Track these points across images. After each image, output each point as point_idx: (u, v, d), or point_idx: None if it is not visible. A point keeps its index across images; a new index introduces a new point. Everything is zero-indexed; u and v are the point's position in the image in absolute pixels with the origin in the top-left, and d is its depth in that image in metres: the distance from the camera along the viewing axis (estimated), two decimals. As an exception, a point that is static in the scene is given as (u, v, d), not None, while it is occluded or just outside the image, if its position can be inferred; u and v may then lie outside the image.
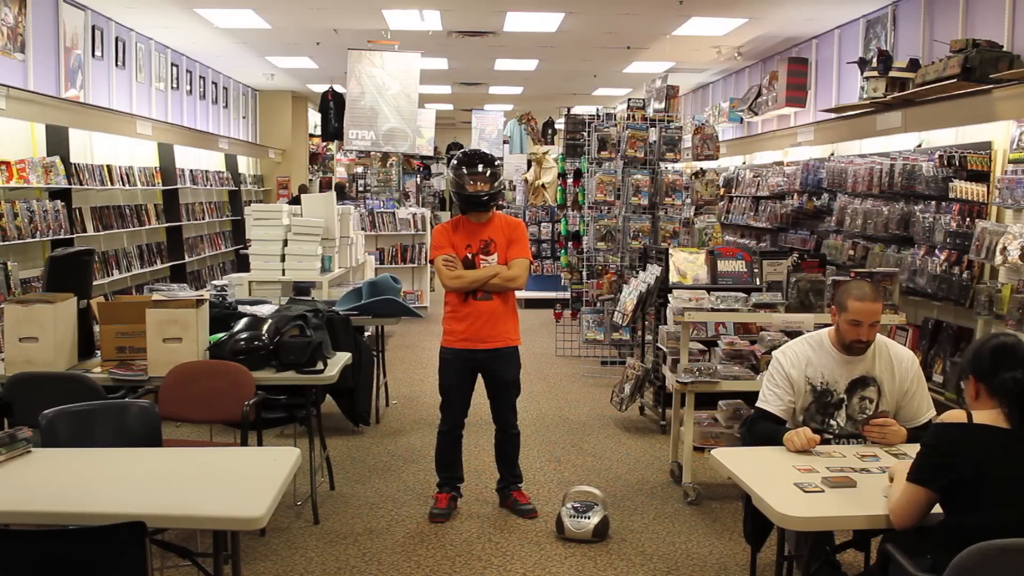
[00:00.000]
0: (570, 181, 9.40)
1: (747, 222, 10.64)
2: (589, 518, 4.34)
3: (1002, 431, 2.55)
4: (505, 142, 16.86)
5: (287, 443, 5.33)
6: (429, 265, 11.43)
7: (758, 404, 3.60)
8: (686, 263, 5.45)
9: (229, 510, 2.67)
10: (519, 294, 12.24)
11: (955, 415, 2.67)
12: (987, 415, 2.59)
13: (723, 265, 5.36)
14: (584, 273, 8.77)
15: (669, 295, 5.19)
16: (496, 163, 4.71)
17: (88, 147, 8.66)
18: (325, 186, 14.78)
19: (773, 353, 3.70)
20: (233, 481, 2.91)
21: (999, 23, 6.09)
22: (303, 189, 15.10)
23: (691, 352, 4.99)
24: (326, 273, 7.25)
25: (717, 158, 8.92)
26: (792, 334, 4.92)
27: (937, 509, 2.63)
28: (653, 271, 5.86)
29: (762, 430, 3.49)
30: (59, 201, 7.47)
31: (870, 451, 3.27)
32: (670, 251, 5.54)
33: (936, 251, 6.24)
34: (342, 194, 12.27)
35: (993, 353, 2.64)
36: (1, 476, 2.86)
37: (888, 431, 3.32)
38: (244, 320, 4.67)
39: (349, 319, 5.76)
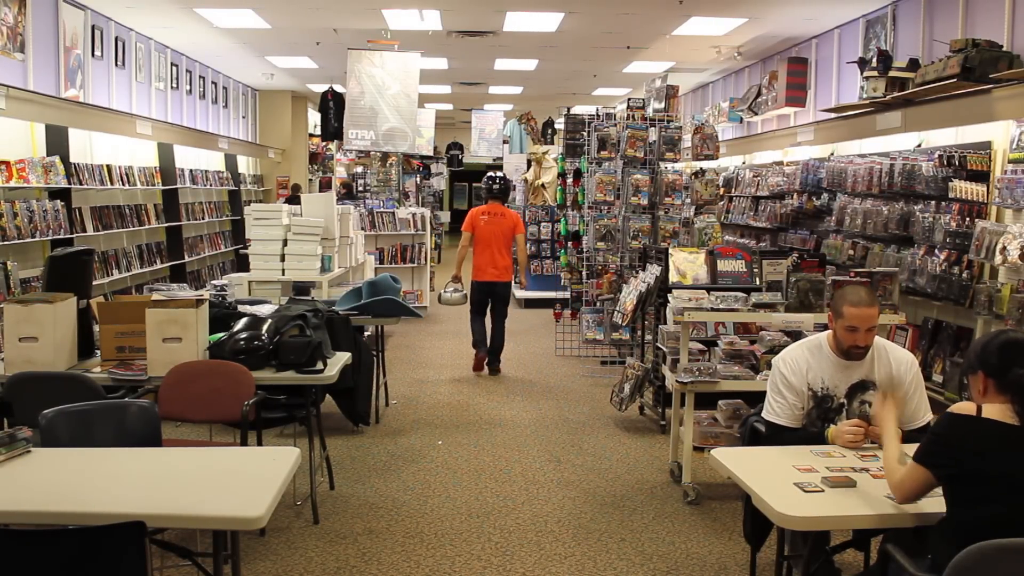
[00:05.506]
0: (570, 181, 9.39)
1: (747, 222, 10.64)
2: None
3: (1010, 427, 2.54)
4: (505, 142, 16.83)
5: (287, 443, 5.34)
6: (429, 265, 11.44)
7: (768, 417, 3.55)
8: (686, 263, 5.45)
9: (229, 510, 2.67)
10: (520, 294, 12.32)
11: (965, 406, 2.65)
12: (996, 410, 2.58)
13: (723, 265, 5.37)
14: (584, 273, 8.76)
15: (669, 295, 5.19)
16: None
17: (88, 147, 8.66)
18: (325, 186, 14.78)
19: (773, 361, 3.67)
20: (233, 481, 2.91)
21: (999, 23, 6.09)
22: (297, 189, 15.13)
23: (691, 352, 4.99)
24: (326, 273, 7.25)
25: (717, 158, 8.92)
26: (792, 334, 4.93)
27: (939, 508, 2.63)
28: (653, 271, 5.85)
29: (790, 440, 3.44)
30: (59, 201, 7.47)
31: (870, 451, 3.27)
32: (670, 251, 5.54)
33: (936, 251, 6.24)
34: (351, 194, 12.25)
35: (1002, 349, 2.63)
36: (1, 476, 2.86)
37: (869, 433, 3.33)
38: (244, 320, 4.67)
39: (349, 319, 5.76)
